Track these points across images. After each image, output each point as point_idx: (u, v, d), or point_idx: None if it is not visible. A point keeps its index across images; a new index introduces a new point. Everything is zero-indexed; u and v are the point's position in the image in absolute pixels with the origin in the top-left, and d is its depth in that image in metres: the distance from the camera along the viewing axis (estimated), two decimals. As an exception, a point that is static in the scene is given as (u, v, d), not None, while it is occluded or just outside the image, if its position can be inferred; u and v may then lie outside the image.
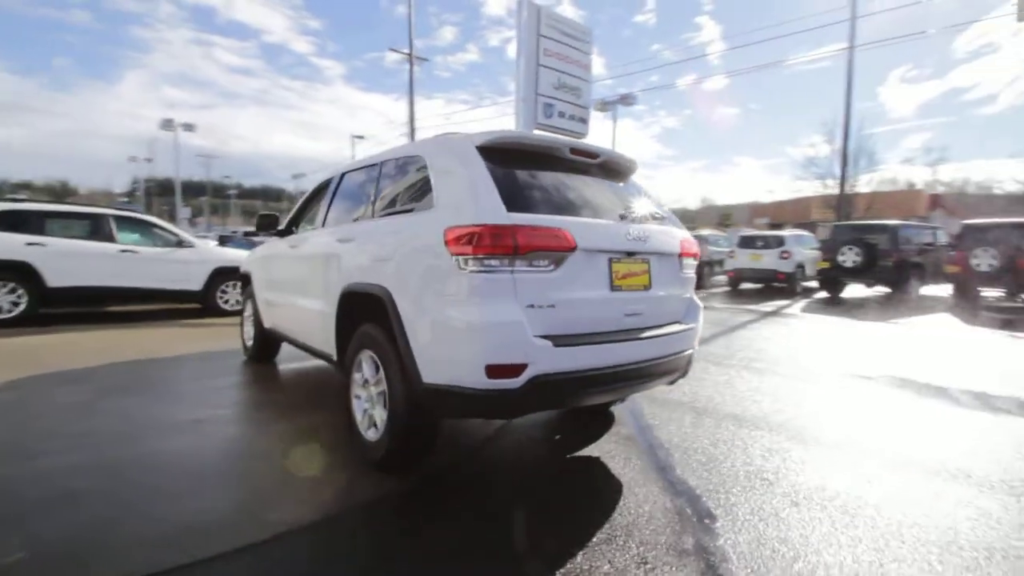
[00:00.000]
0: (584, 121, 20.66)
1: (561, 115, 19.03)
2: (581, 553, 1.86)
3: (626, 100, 22.00)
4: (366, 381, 2.60)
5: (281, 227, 4.13)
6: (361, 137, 35.62)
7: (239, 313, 7.61)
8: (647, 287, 2.49)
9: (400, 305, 2.26)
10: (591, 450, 2.83)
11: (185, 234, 7.75)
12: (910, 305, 10.01)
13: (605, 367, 2.23)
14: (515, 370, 2.01)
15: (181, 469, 2.56)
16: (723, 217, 62.26)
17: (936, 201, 36.78)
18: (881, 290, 11.80)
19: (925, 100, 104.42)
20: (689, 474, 2.51)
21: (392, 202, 2.76)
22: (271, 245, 4.24)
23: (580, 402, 2.48)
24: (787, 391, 4.03)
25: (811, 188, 29.35)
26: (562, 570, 1.76)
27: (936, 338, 6.69)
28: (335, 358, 2.99)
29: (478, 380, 2.01)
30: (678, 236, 2.73)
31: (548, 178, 2.43)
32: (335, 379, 4.33)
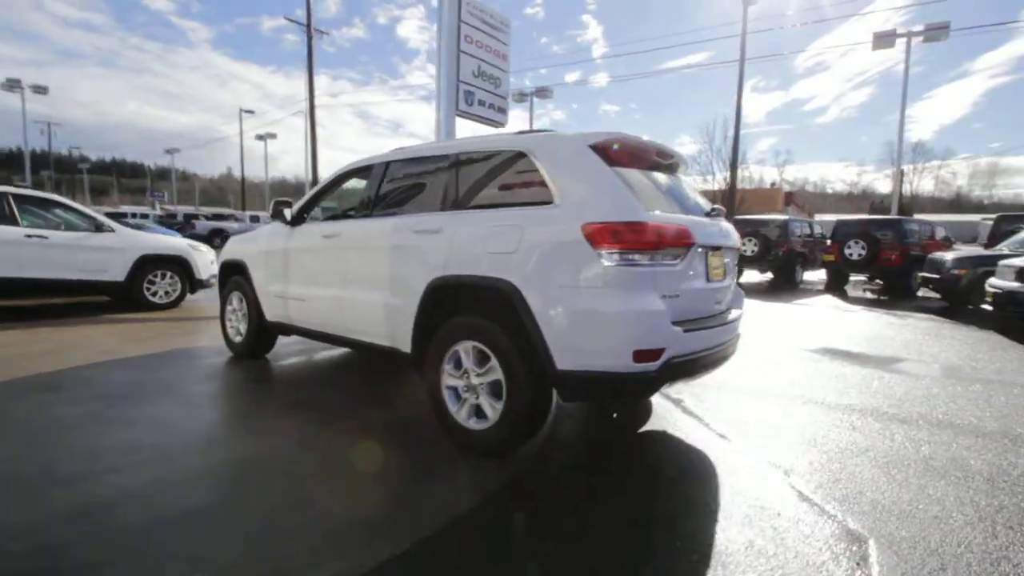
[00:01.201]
0: (503, 111, 20.89)
1: (481, 103, 19.05)
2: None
3: (543, 93, 22.62)
4: (465, 372, 2.65)
5: (289, 215, 3.86)
6: (251, 112, 32.48)
7: (169, 306, 6.91)
8: (723, 278, 2.84)
9: (529, 297, 2.35)
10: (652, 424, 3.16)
11: (104, 218, 6.70)
12: (798, 289, 11.77)
13: (707, 349, 2.54)
14: (656, 354, 2.23)
15: (288, 478, 2.42)
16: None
17: (790, 198, 42.84)
18: (769, 276, 13.65)
19: (772, 108, 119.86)
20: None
21: (486, 194, 2.78)
22: (282, 234, 3.94)
23: (685, 380, 2.71)
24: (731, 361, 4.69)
25: (691, 184, 32.44)
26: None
27: (830, 314, 8.03)
28: (407, 351, 2.96)
29: (625, 364, 2.21)
30: (734, 230, 3.12)
31: (643, 176, 2.64)
32: (362, 370, 4.23)
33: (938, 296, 9.32)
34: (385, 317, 3.08)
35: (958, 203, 60.82)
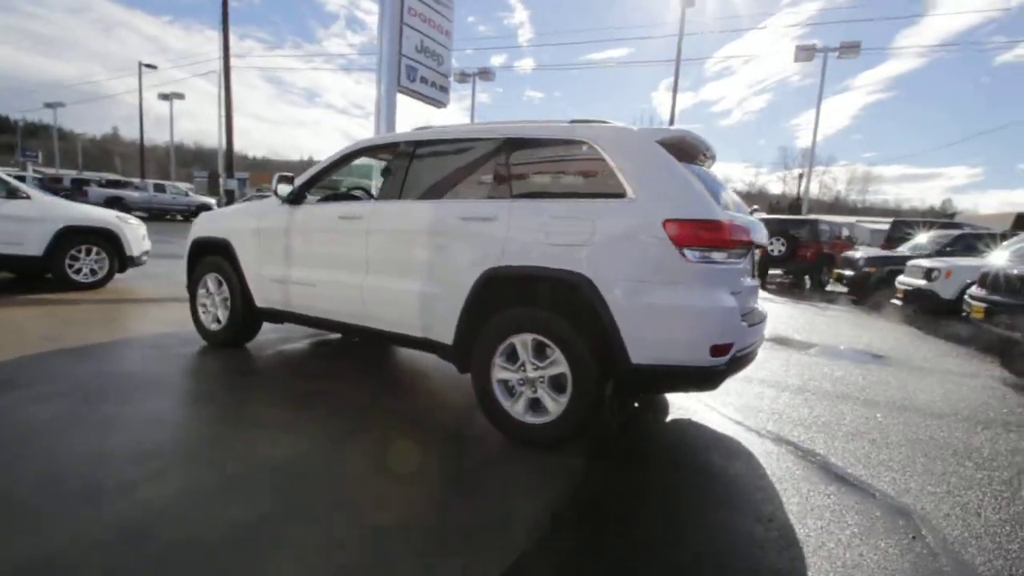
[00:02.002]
0: (445, 90, 20.39)
1: (424, 81, 18.46)
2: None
3: (485, 75, 22.21)
4: (522, 365, 2.61)
5: (288, 192, 3.54)
6: (153, 67, 28.83)
7: (94, 286, 6.07)
8: (754, 275, 3.02)
9: (604, 291, 2.36)
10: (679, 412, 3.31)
11: (18, 182, 5.69)
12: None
13: (754, 343, 2.71)
14: (727, 348, 2.34)
15: (339, 481, 2.26)
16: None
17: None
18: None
19: (684, 108, 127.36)
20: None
21: (544, 183, 2.71)
22: (280, 212, 3.60)
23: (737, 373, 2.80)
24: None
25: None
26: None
27: (765, 305, 8.81)
28: (447, 342, 2.85)
29: (702, 358, 2.30)
30: None
31: (698, 173, 2.72)
32: (355, 356, 4.01)
33: (846, 290, 10.54)
34: (420, 307, 2.94)
35: (837, 206, 68.67)
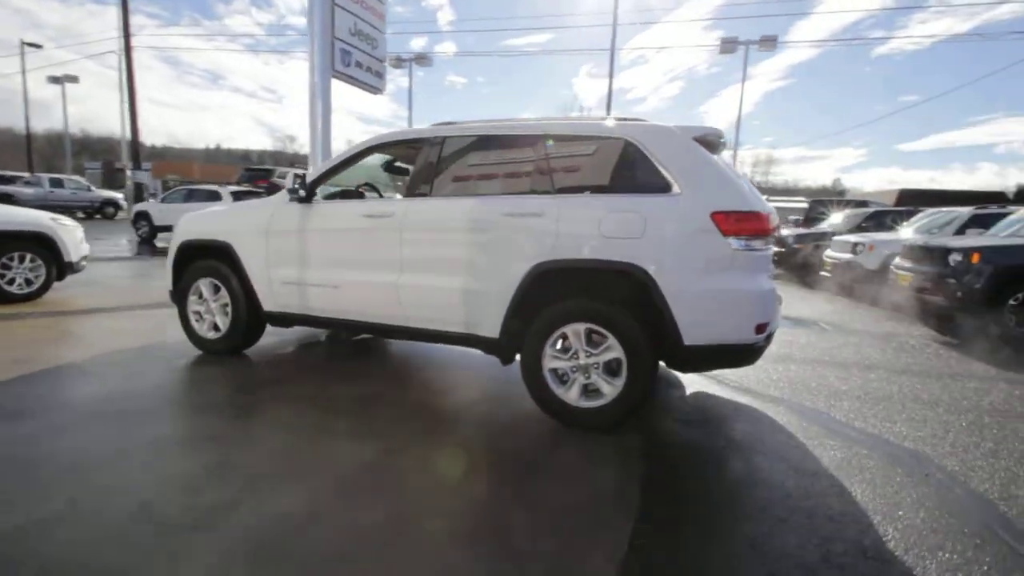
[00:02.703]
0: (381, 76, 19.72)
1: (359, 66, 17.75)
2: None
3: (422, 60, 21.55)
4: (575, 353, 2.75)
5: (297, 190, 3.40)
6: (37, 46, 25.29)
7: (30, 297, 5.45)
8: None
9: (660, 279, 2.54)
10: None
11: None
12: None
13: (778, 322, 3.01)
14: (766, 326, 2.62)
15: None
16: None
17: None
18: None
19: (603, 94, 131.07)
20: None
21: (588, 179, 2.82)
22: (291, 212, 3.45)
23: None
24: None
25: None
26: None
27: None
28: (492, 336, 2.93)
29: (747, 337, 2.56)
30: None
31: (727, 164, 2.93)
32: (377, 353, 3.96)
33: (778, 267, 11.59)
34: (463, 303, 2.98)
35: (745, 187, 74.33)
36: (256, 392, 3.21)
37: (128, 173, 20.73)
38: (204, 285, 3.81)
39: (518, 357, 2.92)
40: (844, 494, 2.22)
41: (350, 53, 18.27)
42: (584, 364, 2.75)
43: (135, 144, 19.70)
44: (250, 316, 3.70)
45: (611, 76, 18.46)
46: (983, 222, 7.14)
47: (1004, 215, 7.13)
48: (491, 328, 2.94)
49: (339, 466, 2.30)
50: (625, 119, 2.92)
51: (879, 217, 10.04)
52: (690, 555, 1.80)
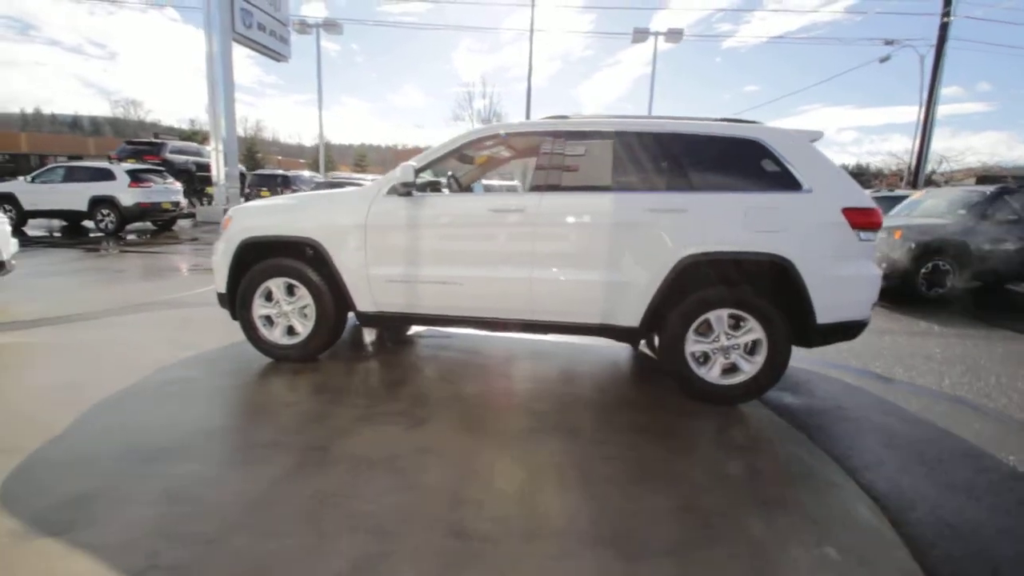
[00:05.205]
0: (286, 41, 18.17)
1: (262, 28, 16.22)
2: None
3: (332, 27, 19.54)
4: (716, 337, 3.04)
5: (408, 185, 3.21)
6: None
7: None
8: None
9: (800, 266, 2.89)
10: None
11: None
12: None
13: None
14: (872, 305, 3.11)
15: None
16: (358, 158, 63.06)
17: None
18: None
19: (486, 70, 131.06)
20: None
21: (723, 177, 3.03)
22: (395, 206, 3.23)
23: None
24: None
25: (465, 130, 34.75)
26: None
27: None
28: (632, 325, 3.08)
29: (865, 314, 3.03)
30: None
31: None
32: (443, 355, 3.89)
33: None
34: (603, 296, 3.09)
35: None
36: (390, 400, 3.04)
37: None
38: (275, 286, 3.43)
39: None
40: (927, 428, 2.80)
41: (251, 13, 16.52)
42: (725, 346, 3.04)
43: None
44: (338, 318, 3.43)
45: (529, 76, 18.66)
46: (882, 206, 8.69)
47: (901, 198, 8.75)
48: (630, 318, 3.09)
49: (542, 467, 2.36)
50: (743, 121, 3.20)
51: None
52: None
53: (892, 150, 61.73)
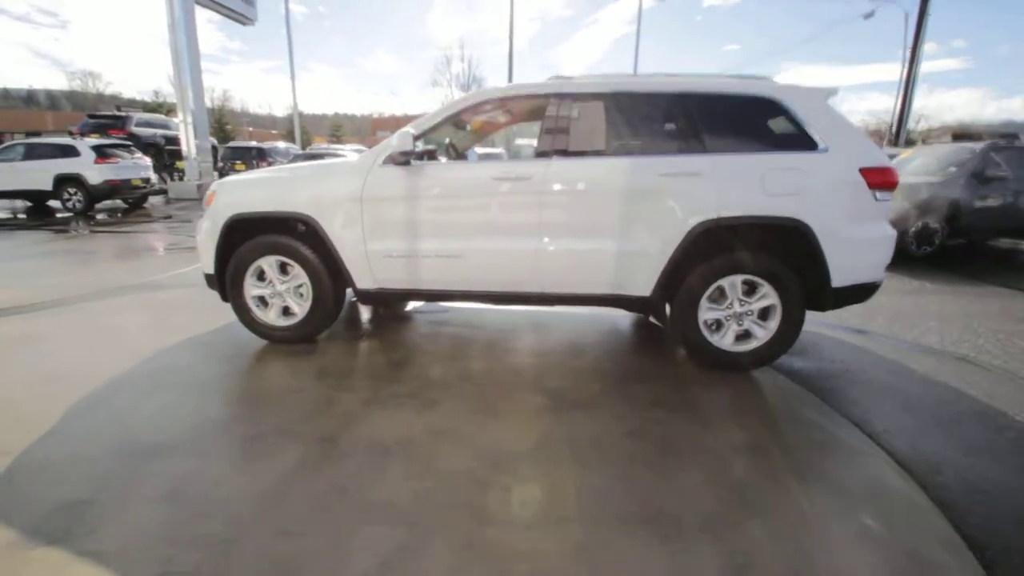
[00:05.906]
0: (250, 2, 17.02)
1: (222, -13, 15.05)
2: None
3: None
4: (730, 303, 2.96)
5: (407, 154, 3.01)
6: None
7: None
8: None
9: (817, 228, 2.79)
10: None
11: None
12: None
13: None
14: (886, 267, 3.05)
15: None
16: (334, 128, 60.89)
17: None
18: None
19: (463, 32, 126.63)
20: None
21: (736, 137, 2.89)
22: (393, 176, 3.03)
23: None
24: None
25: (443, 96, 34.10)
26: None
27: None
28: (644, 294, 2.99)
29: (879, 276, 2.98)
30: None
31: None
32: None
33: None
34: (614, 265, 2.98)
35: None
36: (412, 382, 2.92)
37: None
38: (267, 265, 3.24)
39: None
40: (938, 387, 2.80)
41: (214, -27, 15.40)
42: (738, 312, 2.97)
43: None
44: (336, 296, 3.27)
45: (511, 37, 17.99)
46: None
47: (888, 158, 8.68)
48: (642, 287, 3.00)
49: (571, 440, 2.30)
50: (757, 77, 3.04)
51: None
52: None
53: (872, 108, 61.95)
